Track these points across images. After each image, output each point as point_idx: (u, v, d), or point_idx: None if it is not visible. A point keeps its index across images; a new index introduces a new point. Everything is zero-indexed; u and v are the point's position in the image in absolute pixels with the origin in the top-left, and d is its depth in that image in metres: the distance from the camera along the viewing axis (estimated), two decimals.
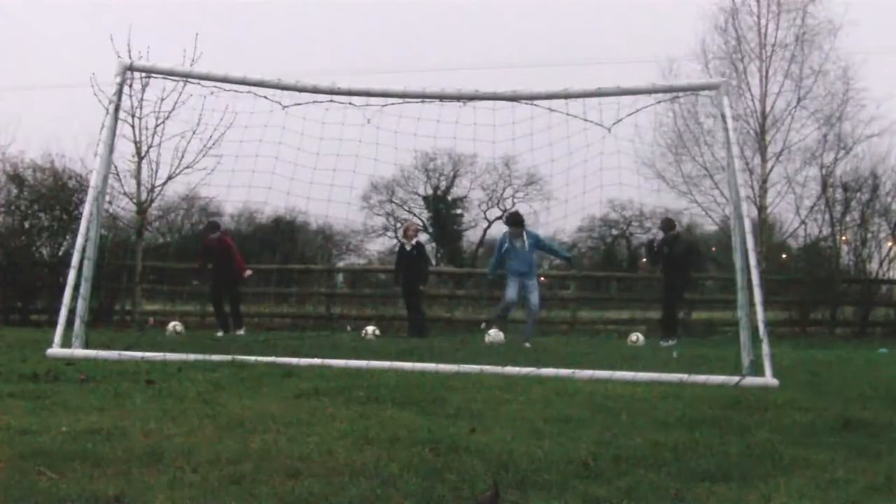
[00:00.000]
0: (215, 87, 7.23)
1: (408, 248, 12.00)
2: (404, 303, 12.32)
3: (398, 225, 37.76)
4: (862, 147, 18.39)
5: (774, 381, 5.70)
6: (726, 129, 6.94)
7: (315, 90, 7.12)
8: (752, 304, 6.41)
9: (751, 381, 5.71)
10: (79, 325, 6.76)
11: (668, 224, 12.05)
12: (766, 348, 5.98)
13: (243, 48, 39.61)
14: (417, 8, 51.14)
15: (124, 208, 14.26)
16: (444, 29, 52.09)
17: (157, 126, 13.20)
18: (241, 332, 11.43)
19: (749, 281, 6.40)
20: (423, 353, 7.40)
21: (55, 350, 6.36)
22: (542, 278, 9.33)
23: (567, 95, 6.94)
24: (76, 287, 6.81)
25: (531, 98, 7.02)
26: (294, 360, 6.30)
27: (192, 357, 6.38)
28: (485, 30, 52.99)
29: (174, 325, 11.41)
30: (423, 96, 7.12)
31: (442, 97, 7.11)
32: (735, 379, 5.74)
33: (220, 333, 11.08)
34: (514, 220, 10.40)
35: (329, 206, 8.00)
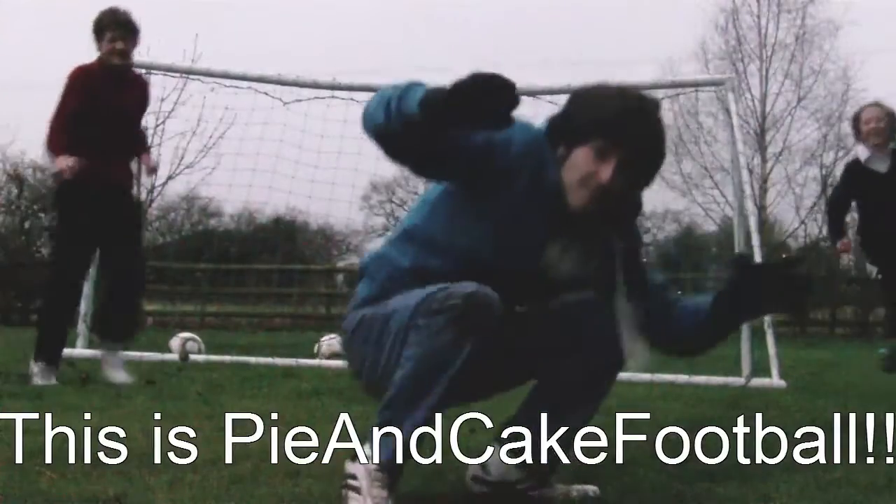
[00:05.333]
0: (215, 83, 7.26)
1: (881, 167, 5.32)
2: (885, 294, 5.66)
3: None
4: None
5: (781, 382, 5.69)
6: (731, 126, 6.96)
7: (315, 85, 7.14)
8: None
9: (758, 382, 5.71)
10: (81, 324, 6.76)
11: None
12: (772, 349, 5.98)
13: (243, 50, 39.60)
14: (416, 8, 51.18)
15: None
16: (444, 29, 52.13)
17: (157, 126, 13.24)
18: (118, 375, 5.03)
19: None
20: None
21: None
22: None
23: (569, 91, 6.93)
24: None
25: (532, 94, 7.02)
26: (294, 361, 6.31)
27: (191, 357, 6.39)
28: (484, 30, 53.03)
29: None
30: None
31: None
32: (742, 380, 5.74)
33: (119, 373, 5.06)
34: None
35: (330, 205, 8.05)
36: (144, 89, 5.27)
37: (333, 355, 7.23)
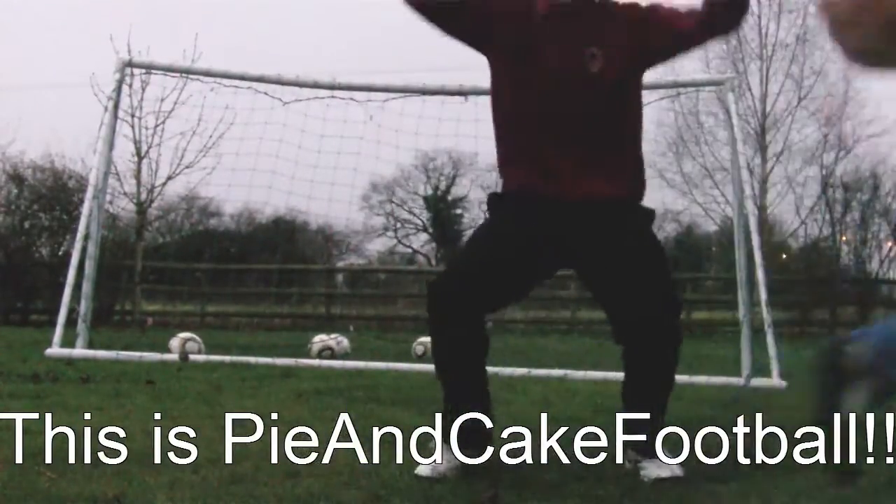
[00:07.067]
0: (215, 83, 7.26)
1: None
2: None
3: (398, 225, 37.77)
4: (862, 147, 18.43)
5: (781, 382, 5.69)
6: (731, 126, 6.97)
7: (315, 85, 7.15)
8: (755, 303, 6.42)
9: (758, 382, 5.70)
10: (81, 324, 6.76)
11: None
12: (772, 349, 5.98)
13: (243, 50, 39.61)
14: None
15: (124, 208, 14.29)
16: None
17: (156, 126, 13.21)
18: None
19: (753, 279, 6.41)
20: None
21: (55, 350, 6.36)
22: None
23: None
24: (77, 286, 6.81)
25: None
26: (294, 361, 6.31)
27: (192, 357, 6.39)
28: None
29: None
30: (424, 92, 7.15)
31: (443, 93, 7.14)
32: (742, 380, 5.73)
33: None
34: None
35: (330, 205, 8.05)
36: (641, 25, 2.67)
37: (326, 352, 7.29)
